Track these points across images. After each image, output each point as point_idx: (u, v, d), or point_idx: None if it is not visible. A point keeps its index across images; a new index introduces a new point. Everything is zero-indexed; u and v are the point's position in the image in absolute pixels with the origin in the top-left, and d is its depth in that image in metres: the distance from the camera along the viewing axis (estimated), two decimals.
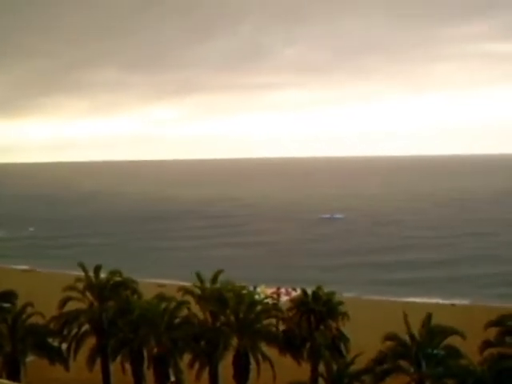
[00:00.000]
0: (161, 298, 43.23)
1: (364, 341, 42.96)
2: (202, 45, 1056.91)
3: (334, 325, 44.12)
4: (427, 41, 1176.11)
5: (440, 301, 74.63)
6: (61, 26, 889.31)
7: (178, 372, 41.53)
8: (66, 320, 43.55)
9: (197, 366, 41.71)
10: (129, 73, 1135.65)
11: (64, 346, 43.12)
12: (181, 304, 42.49)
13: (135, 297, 44.35)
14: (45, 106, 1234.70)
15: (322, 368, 38.73)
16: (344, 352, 42.36)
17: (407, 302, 73.61)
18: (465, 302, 74.91)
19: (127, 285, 45.11)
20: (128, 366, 42.16)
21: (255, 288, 50.03)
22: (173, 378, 41.19)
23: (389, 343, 34.85)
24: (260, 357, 41.92)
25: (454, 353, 34.05)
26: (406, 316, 34.24)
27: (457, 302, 73.97)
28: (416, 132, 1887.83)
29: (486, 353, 33.15)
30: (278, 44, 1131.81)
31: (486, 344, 34.25)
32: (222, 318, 42.97)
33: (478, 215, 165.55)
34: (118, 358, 42.16)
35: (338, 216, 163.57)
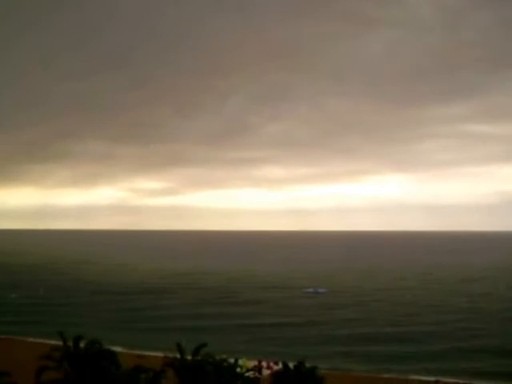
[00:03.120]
0: (140, 368, 42.47)
1: None
2: (189, 122, 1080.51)
3: None
4: (410, 121, 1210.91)
5: (423, 378, 73.59)
6: (50, 98, 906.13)
7: None
8: None
9: None
10: (115, 145, 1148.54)
11: None
12: (159, 375, 41.73)
13: (114, 367, 43.56)
14: (29, 174, 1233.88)
15: None
16: None
17: (390, 378, 72.87)
18: (449, 379, 73.66)
19: (106, 355, 44.37)
20: None
21: (236, 361, 49.32)
22: None
23: None
24: None
25: None
26: None
27: (441, 378, 72.86)
28: (400, 208, 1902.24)
29: None
30: (262, 121, 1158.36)
31: None
32: None
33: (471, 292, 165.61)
34: None
35: (321, 290, 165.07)
